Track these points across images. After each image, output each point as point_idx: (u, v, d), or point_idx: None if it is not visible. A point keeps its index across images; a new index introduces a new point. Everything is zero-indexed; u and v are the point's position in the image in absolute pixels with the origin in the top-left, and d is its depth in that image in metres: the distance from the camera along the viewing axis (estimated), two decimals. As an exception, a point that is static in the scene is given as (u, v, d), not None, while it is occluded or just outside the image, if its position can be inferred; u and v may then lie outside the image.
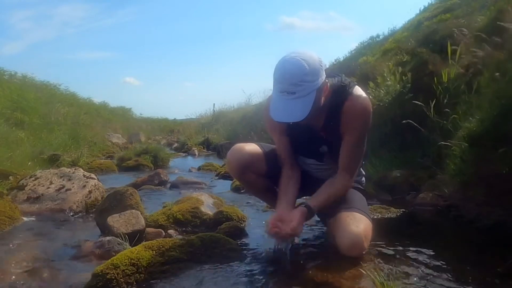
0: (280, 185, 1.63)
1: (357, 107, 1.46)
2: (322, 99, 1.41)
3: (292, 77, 1.31)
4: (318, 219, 2.01)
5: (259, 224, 2.09)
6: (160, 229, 1.93)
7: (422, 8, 8.81)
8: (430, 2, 8.61)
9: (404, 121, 2.65)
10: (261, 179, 1.77)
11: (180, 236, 1.85)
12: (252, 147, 1.76)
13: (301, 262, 1.43)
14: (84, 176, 2.80)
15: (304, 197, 2.36)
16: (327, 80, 1.41)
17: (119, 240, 1.63)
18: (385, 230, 1.80)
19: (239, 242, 1.68)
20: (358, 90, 1.49)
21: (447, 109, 2.43)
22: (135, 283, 1.27)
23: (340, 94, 1.47)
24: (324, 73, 1.39)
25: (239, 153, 1.72)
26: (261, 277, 1.32)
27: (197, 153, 7.86)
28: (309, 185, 1.75)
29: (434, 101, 2.55)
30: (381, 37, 9.92)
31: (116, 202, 2.02)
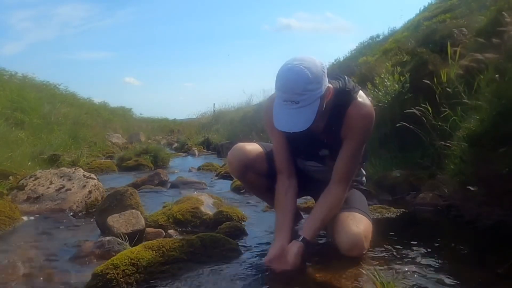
0: (277, 198, 1.58)
1: (360, 114, 1.43)
2: (324, 104, 1.38)
3: (295, 86, 1.29)
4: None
5: (259, 224, 2.09)
6: (160, 229, 1.93)
7: (422, 8, 8.82)
8: (430, 2, 8.61)
9: (398, 125, 2.66)
10: (262, 179, 1.77)
11: (180, 236, 1.85)
12: (253, 147, 1.75)
13: (301, 262, 1.42)
14: (84, 176, 2.80)
15: (304, 197, 2.37)
16: (329, 85, 1.38)
17: (119, 240, 1.63)
18: (385, 230, 1.81)
19: (239, 242, 1.68)
20: (363, 96, 1.47)
21: (446, 109, 2.43)
22: (135, 283, 1.27)
23: (343, 98, 1.44)
24: (327, 78, 1.37)
25: (240, 152, 1.72)
26: (261, 277, 1.32)
27: (197, 153, 7.86)
28: (308, 185, 1.75)
29: (433, 102, 2.55)
30: (381, 37, 9.94)
31: (116, 202, 2.02)
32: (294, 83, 1.29)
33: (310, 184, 1.74)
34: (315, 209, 1.51)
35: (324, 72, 1.35)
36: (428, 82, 2.65)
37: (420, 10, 8.88)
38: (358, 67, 4.97)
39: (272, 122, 1.40)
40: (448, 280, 1.23)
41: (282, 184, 1.58)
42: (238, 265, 1.42)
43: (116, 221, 1.78)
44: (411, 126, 2.64)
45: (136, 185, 3.32)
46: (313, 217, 1.48)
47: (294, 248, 1.37)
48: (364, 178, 1.83)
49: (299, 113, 1.31)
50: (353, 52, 9.88)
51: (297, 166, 1.78)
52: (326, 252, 1.52)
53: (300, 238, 1.40)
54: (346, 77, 1.51)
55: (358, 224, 1.42)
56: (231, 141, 7.14)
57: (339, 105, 1.44)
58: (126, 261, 1.30)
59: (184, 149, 8.88)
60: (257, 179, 1.77)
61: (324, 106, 1.38)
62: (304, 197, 2.35)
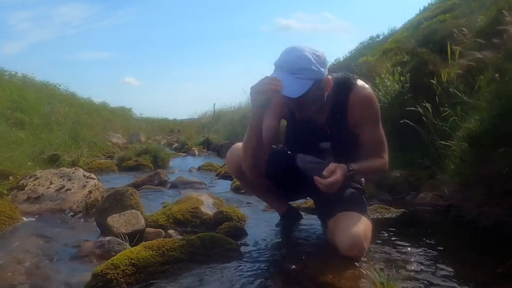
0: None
1: (363, 97, 1.49)
2: (325, 94, 1.44)
3: (297, 61, 1.34)
4: (318, 219, 2.01)
5: (259, 224, 2.09)
6: (160, 229, 1.93)
7: (422, 8, 8.83)
8: (430, 2, 8.62)
9: (399, 123, 2.67)
10: (260, 178, 1.77)
11: (180, 236, 1.85)
12: None
13: (301, 262, 1.43)
14: (84, 176, 2.79)
15: (304, 200, 2.37)
16: (329, 77, 1.43)
17: (119, 240, 1.63)
18: (385, 230, 1.81)
19: (239, 242, 1.68)
20: (361, 82, 1.52)
21: (446, 109, 2.43)
22: (135, 283, 1.27)
23: (344, 86, 1.50)
24: (327, 69, 1.41)
25: (238, 152, 1.73)
26: (261, 277, 1.32)
27: (197, 153, 7.85)
28: (307, 185, 1.74)
29: (433, 102, 2.56)
30: (381, 37, 9.95)
31: (116, 202, 2.02)
32: (296, 58, 1.34)
33: (308, 184, 1.74)
34: (360, 161, 1.52)
35: (326, 60, 1.39)
36: (429, 82, 2.66)
37: (420, 10, 8.89)
38: (358, 67, 4.97)
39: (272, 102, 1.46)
40: (448, 280, 1.23)
41: None
42: (238, 265, 1.42)
43: (116, 221, 1.78)
44: (412, 125, 2.64)
45: (136, 185, 3.31)
46: (358, 163, 1.49)
47: (344, 167, 1.40)
48: (363, 178, 1.83)
49: (295, 81, 1.34)
50: (353, 52, 9.89)
51: (297, 166, 1.79)
52: (326, 252, 1.52)
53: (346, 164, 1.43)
54: (345, 72, 1.58)
55: (358, 224, 1.42)
56: (231, 141, 7.12)
57: (341, 92, 1.48)
58: (126, 261, 1.30)
59: (184, 149, 8.87)
60: (256, 179, 1.77)
61: (326, 96, 1.44)
62: (304, 199, 2.35)
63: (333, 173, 1.36)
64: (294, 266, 1.39)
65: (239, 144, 1.77)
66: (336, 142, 1.57)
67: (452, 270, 1.31)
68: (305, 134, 1.60)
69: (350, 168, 1.42)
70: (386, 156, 1.58)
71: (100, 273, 1.24)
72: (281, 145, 1.87)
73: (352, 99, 1.49)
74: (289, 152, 1.84)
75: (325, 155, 1.64)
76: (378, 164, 1.55)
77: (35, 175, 2.80)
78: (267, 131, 1.54)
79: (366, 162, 1.53)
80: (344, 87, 1.49)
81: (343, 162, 1.49)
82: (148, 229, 1.87)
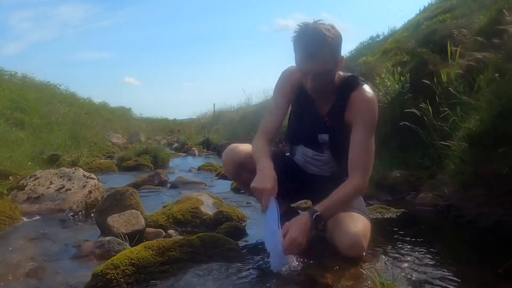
0: (257, 148, 1.55)
1: (364, 98, 1.50)
2: (337, 74, 1.48)
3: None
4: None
5: (259, 224, 2.09)
6: (160, 229, 1.93)
7: (422, 8, 8.83)
8: (430, 2, 8.61)
9: (399, 124, 2.68)
10: None
11: (180, 236, 1.84)
12: (246, 147, 1.76)
13: (301, 262, 1.42)
14: (84, 176, 2.80)
15: (304, 201, 2.37)
16: (343, 56, 1.49)
17: (119, 240, 1.63)
18: (385, 230, 1.81)
19: (239, 242, 1.68)
20: (367, 86, 1.54)
21: (446, 109, 2.43)
22: (135, 283, 1.27)
23: (350, 83, 1.53)
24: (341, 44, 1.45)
25: (234, 153, 1.73)
26: (261, 277, 1.32)
27: (197, 153, 7.85)
28: (307, 187, 1.74)
29: (433, 102, 2.56)
30: (381, 37, 9.95)
31: (116, 202, 2.02)
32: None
33: (308, 186, 1.74)
34: (332, 193, 1.43)
35: (340, 34, 1.43)
36: (428, 82, 2.66)
37: (420, 10, 8.89)
38: (358, 67, 4.97)
39: (284, 85, 1.57)
40: (448, 280, 1.23)
41: (263, 142, 1.58)
42: (238, 265, 1.42)
43: (116, 221, 1.78)
44: (412, 126, 2.64)
45: (136, 185, 3.31)
46: (328, 198, 1.41)
47: (302, 219, 1.34)
48: None
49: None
50: (352, 52, 9.88)
51: (296, 165, 1.78)
52: (326, 252, 1.52)
53: (309, 210, 1.37)
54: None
55: (357, 224, 1.43)
56: (231, 141, 7.11)
57: (345, 88, 1.52)
58: (126, 261, 1.30)
59: (184, 149, 8.87)
60: (252, 178, 1.77)
61: (336, 77, 1.48)
62: (304, 201, 2.35)
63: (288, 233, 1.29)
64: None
65: (234, 145, 1.78)
66: (334, 135, 1.57)
67: (452, 270, 1.31)
68: (306, 124, 1.61)
69: (316, 213, 1.34)
70: (366, 175, 1.48)
71: (100, 273, 1.24)
72: (281, 145, 1.87)
73: (354, 96, 1.50)
74: (287, 154, 1.84)
75: (323, 148, 1.64)
76: (350, 192, 1.45)
77: (35, 175, 2.80)
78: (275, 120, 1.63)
79: (336, 194, 1.42)
80: (350, 84, 1.52)
81: (335, 166, 1.55)
82: (148, 229, 1.87)
